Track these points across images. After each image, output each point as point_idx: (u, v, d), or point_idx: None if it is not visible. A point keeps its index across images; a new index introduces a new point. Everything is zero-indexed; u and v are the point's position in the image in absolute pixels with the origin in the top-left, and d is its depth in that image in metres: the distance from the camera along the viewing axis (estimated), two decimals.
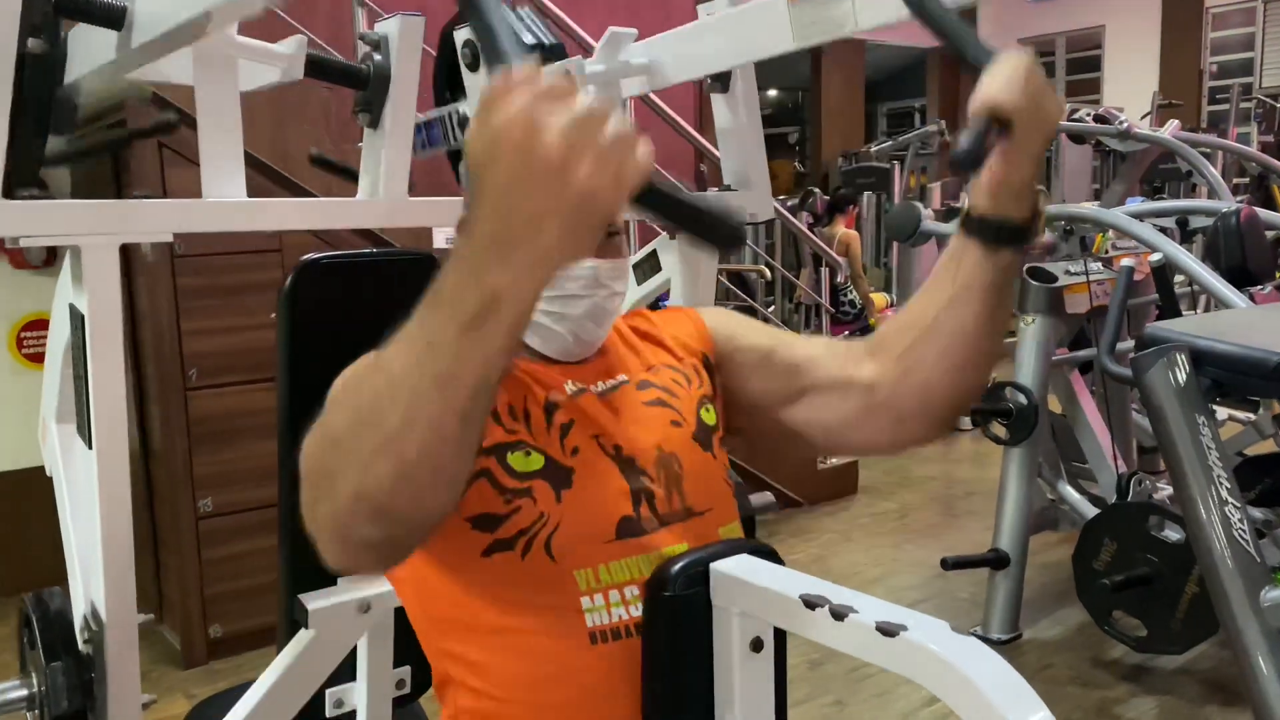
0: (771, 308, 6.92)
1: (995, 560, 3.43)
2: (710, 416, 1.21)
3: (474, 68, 1.47)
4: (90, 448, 1.25)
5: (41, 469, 1.70)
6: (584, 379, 1.16)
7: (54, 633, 1.29)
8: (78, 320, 1.24)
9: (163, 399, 3.30)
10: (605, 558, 1.07)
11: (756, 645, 1.05)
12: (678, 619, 1.05)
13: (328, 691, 1.68)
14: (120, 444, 1.25)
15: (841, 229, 7.07)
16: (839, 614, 0.94)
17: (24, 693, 1.32)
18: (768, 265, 6.28)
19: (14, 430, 3.87)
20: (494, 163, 0.70)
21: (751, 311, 6.48)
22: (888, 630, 0.91)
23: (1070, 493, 3.62)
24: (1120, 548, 3.01)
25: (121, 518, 1.27)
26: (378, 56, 1.39)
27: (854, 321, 6.77)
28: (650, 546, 1.09)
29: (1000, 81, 0.98)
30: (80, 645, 1.33)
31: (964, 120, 1.01)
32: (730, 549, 1.08)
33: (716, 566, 1.05)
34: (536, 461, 1.07)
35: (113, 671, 1.30)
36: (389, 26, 1.39)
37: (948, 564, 3.42)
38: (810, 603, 0.97)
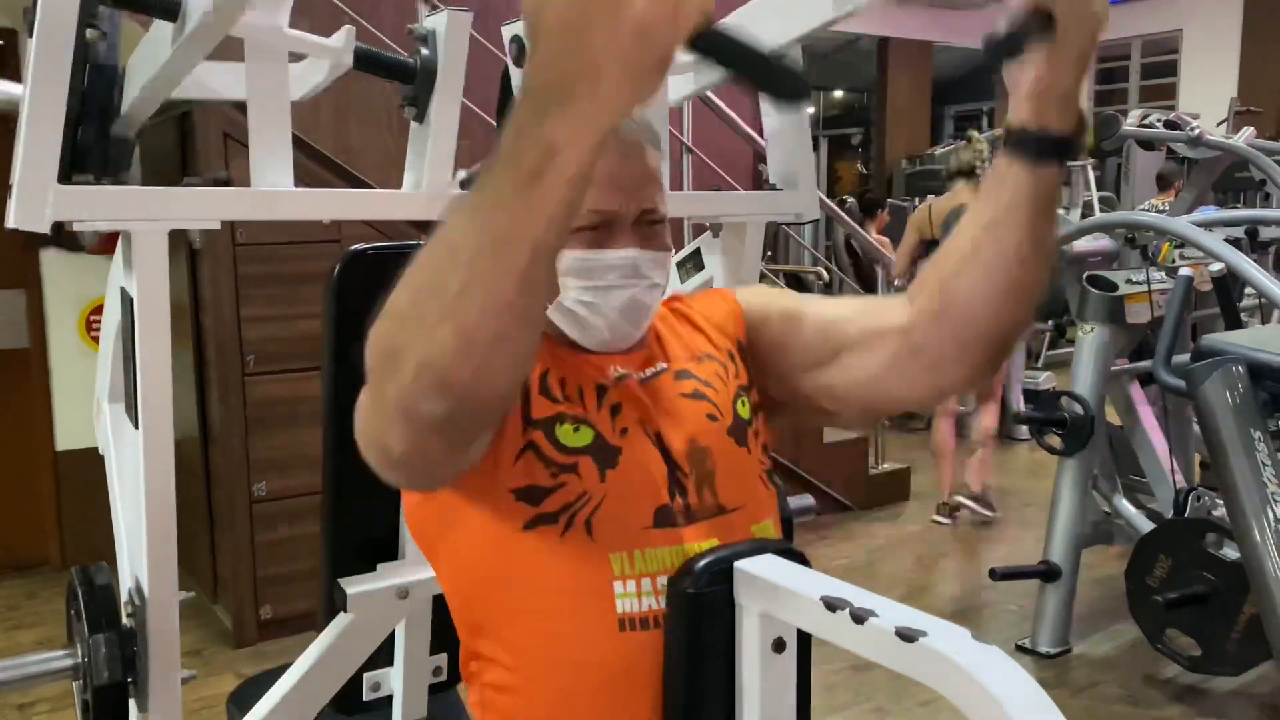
0: None
1: (1045, 572, 3.37)
2: (745, 410, 1.18)
3: (519, 63, 1.49)
4: (136, 427, 1.29)
5: None
6: (627, 366, 1.14)
7: (98, 606, 1.34)
8: (127, 304, 1.28)
9: (221, 384, 3.38)
10: (641, 544, 1.06)
11: (778, 646, 1.04)
12: (699, 616, 1.05)
13: (365, 675, 1.70)
14: (165, 424, 1.28)
15: (873, 235, 6.84)
16: (859, 617, 0.94)
17: (69, 662, 1.37)
18: (825, 268, 6.22)
19: (83, 411, 3.98)
20: (546, 6, 0.68)
21: None
22: (907, 635, 0.90)
23: (1126, 506, 3.55)
24: (1176, 564, 2.94)
25: (165, 496, 1.30)
26: (425, 51, 1.40)
27: None
28: (680, 539, 1.09)
29: None
30: (124, 619, 1.37)
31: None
32: (755, 548, 1.08)
33: (740, 565, 1.05)
34: (585, 436, 1.07)
35: (154, 646, 1.34)
36: (437, 21, 1.41)
37: (996, 574, 3.38)
38: (831, 604, 0.96)
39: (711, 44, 0.70)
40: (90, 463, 3.80)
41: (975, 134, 4.77)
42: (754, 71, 0.73)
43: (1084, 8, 0.93)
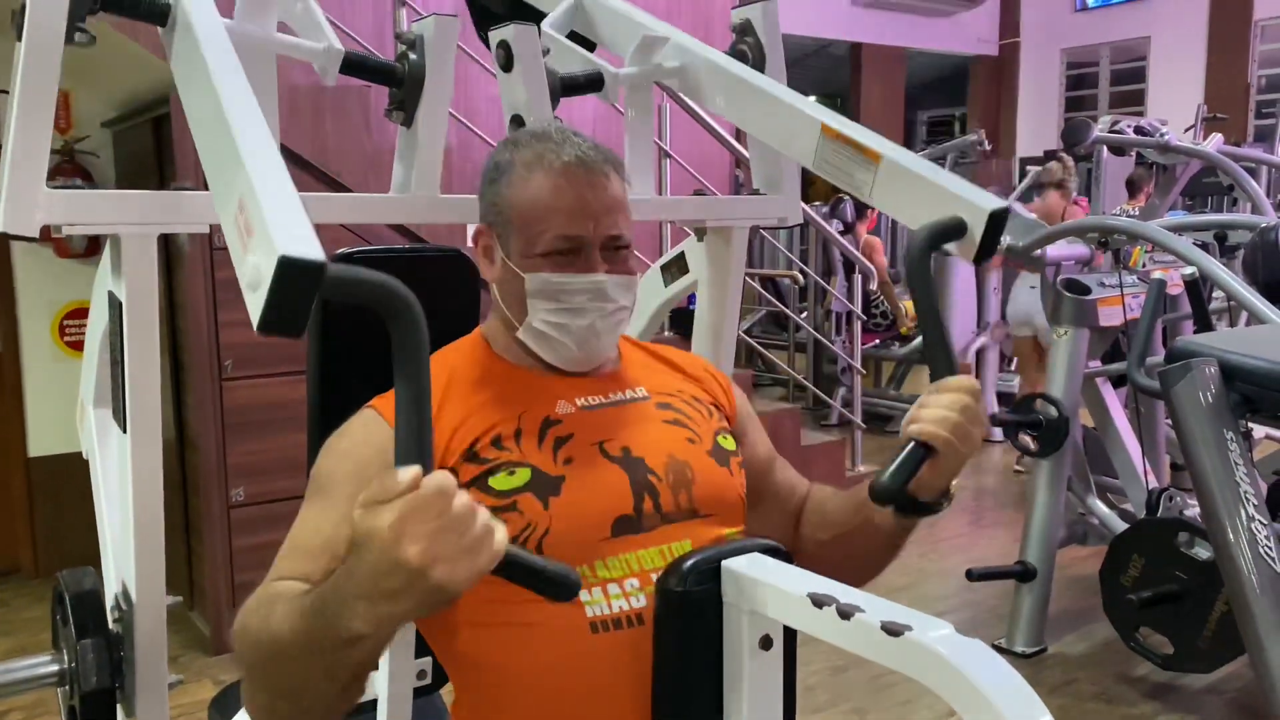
0: (804, 314, 6.88)
1: (1022, 572, 3.41)
2: (728, 443, 1.26)
3: (507, 69, 1.50)
4: (125, 432, 1.29)
5: (81, 454, 1.75)
6: (600, 391, 1.20)
7: (85, 611, 1.33)
8: (115, 307, 1.28)
9: (198, 389, 3.36)
10: (603, 554, 1.11)
11: (765, 643, 1.07)
12: (687, 615, 1.07)
13: None
14: (154, 429, 1.28)
15: (863, 235, 6.88)
16: (845, 613, 0.96)
17: (55, 668, 1.36)
18: (801, 272, 6.25)
19: (56, 416, 3.96)
20: (368, 549, 0.83)
21: (782, 320, 6.44)
22: (892, 630, 0.92)
23: (1099, 507, 3.59)
24: (1149, 564, 2.98)
25: (153, 500, 1.30)
26: (413, 56, 1.41)
27: (886, 331, 6.68)
28: (650, 542, 1.12)
29: (936, 415, 1.10)
30: (110, 624, 1.37)
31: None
32: (742, 548, 1.10)
33: (728, 564, 1.07)
34: (522, 477, 1.11)
35: (141, 651, 1.34)
36: (425, 27, 1.42)
37: (973, 575, 3.41)
38: (818, 601, 0.98)
39: (502, 571, 0.89)
40: (64, 469, 3.79)
41: (1063, 155, 5.50)
42: (535, 581, 0.93)
43: (964, 445, 1.11)
